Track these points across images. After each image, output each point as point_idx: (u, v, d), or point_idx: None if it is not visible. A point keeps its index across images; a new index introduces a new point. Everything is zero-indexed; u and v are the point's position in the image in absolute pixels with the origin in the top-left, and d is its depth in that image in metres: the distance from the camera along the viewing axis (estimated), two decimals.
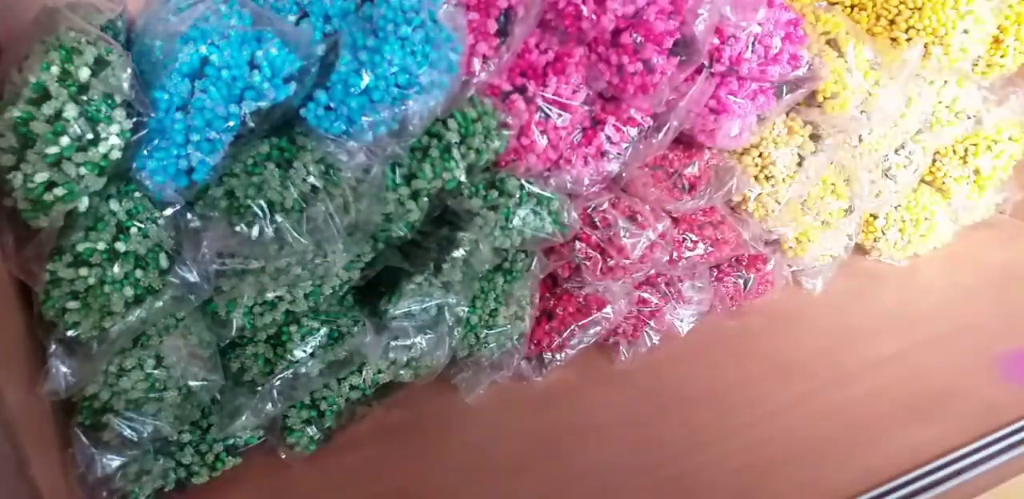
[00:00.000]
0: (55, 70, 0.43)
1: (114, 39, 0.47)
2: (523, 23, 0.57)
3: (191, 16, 0.47)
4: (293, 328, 0.59)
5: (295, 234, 0.50)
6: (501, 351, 0.70)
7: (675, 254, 0.74)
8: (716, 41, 0.65)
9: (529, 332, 0.71)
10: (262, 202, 0.49)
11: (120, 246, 0.48)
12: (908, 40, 0.78)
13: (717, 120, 0.68)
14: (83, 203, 0.46)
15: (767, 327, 0.84)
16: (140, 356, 0.52)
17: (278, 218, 0.49)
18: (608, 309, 0.73)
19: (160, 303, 0.50)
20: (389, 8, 0.50)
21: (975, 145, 0.92)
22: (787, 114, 0.76)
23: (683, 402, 0.71)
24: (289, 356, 0.58)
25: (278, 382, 0.58)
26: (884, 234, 0.95)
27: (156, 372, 0.52)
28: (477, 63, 0.56)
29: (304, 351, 0.59)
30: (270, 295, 0.56)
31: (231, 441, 0.61)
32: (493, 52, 0.57)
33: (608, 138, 0.65)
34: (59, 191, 0.44)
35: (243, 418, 0.58)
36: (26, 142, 0.43)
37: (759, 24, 0.65)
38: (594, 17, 0.58)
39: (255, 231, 0.49)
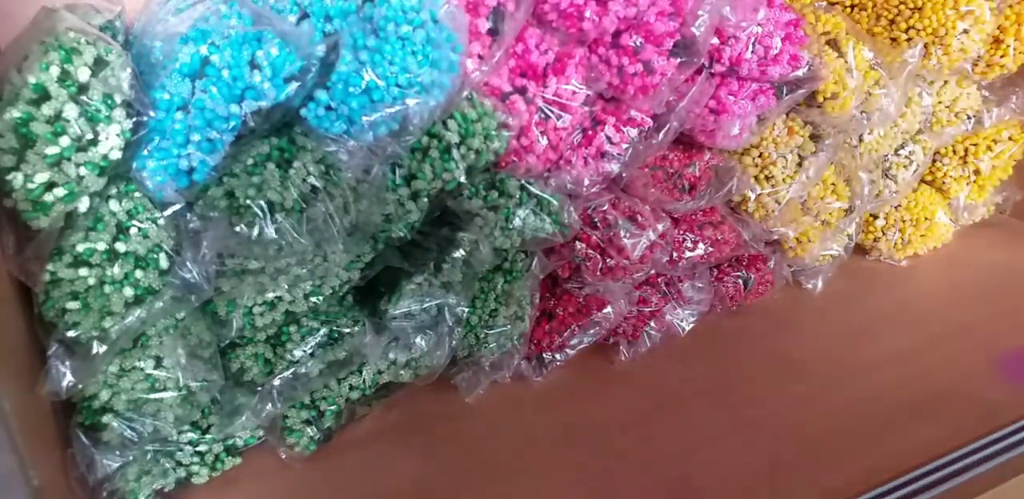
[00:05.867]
0: (55, 70, 0.43)
1: (113, 40, 0.47)
2: (513, 19, 0.57)
3: (191, 17, 0.47)
4: (293, 328, 0.59)
5: (295, 234, 0.50)
6: (501, 351, 0.70)
7: (675, 254, 0.74)
8: (716, 42, 0.65)
9: (529, 332, 0.70)
10: (262, 202, 0.49)
11: (120, 246, 0.48)
12: (908, 40, 0.78)
13: (717, 120, 0.68)
14: (83, 203, 0.46)
15: (767, 327, 0.84)
16: (140, 356, 0.52)
17: (278, 218, 0.49)
18: (608, 309, 0.73)
19: (160, 303, 0.50)
20: (390, 8, 0.50)
21: (975, 145, 0.92)
22: (787, 114, 0.76)
23: (683, 402, 0.71)
24: (289, 356, 0.58)
25: (278, 382, 0.58)
26: (884, 234, 0.95)
27: (156, 372, 0.52)
28: (471, 63, 0.56)
29: (304, 351, 0.59)
30: (270, 295, 0.56)
31: (231, 441, 0.61)
32: (487, 51, 0.57)
33: (608, 139, 0.65)
34: (59, 191, 0.44)
35: (243, 418, 0.58)
36: (26, 143, 0.43)
37: (759, 25, 0.65)
38: (596, 18, 0.58)
39: (255, 231, 0.49)
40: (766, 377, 0.74)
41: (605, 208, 0.69)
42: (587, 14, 0.58)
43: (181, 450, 0.59)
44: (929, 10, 0.77)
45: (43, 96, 0.43)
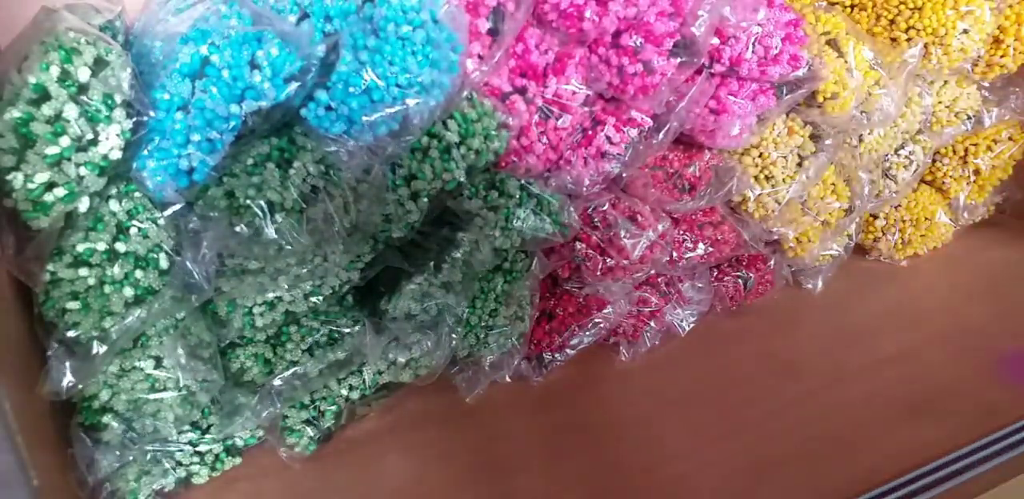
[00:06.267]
0: (55, 70, 0.43)
1: (112, 40, 0.47)
2: (513, 19, 0.57)
3: (191, 17, 0.47)
4: (293, 328, 0.59)
5: (295, 234, 0.50)
6: (501, 351, 0.70)
7: (675, 254, 0.74)
8: (716, 42, 0.65)
9: (529, 332, 0.70)
10: (262, 202, 0.49)
11: (120, 246, 0.48)
12: (908, 40, 0.78)
13: (717, 120, 0.68)
14: (83, 203, 0.46)
15: (767, 327, 0.84)
16: (140, 356, 0.52)
17: (278, 218, 0.49)
18: (608, 309, 0.73)
19: (160, 303, 0.50)
20: (390, 8, 0.50)
21: (975, 145, 0.92)
22: (787, 114, 0.76)
23: (683, 402, 0.71)
24: (289, 356, 0.58)
25: (278, 382, 0.58)
26: (884, 234, 0.95)
27: (156, 372, 0.52)
28: (471, 63, 0.56)
29: (304, 351, 0.59)
30: (270, 295, 0.56)
31: (231, 441, 0.61)
32: (487, 51, 0.57)
33: (608, 139, 0.65)
34: (59, 191, 0.44)
35: (243, 418, 0.58)
36: (26, 143, 0.43)
37: (759, 25, 0.65)
38: (596, 18, 0.58)
39: (255, 231, 0.49)
40: (766, 377, 0.74)
41: (605, 208, 0.69)
42: (587, 14, 0.58)
43: (181, 450, 0.59)
44: (929, 10, 0.77)
45: (43, 96, 0.43)
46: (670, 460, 0.64)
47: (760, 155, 0.75)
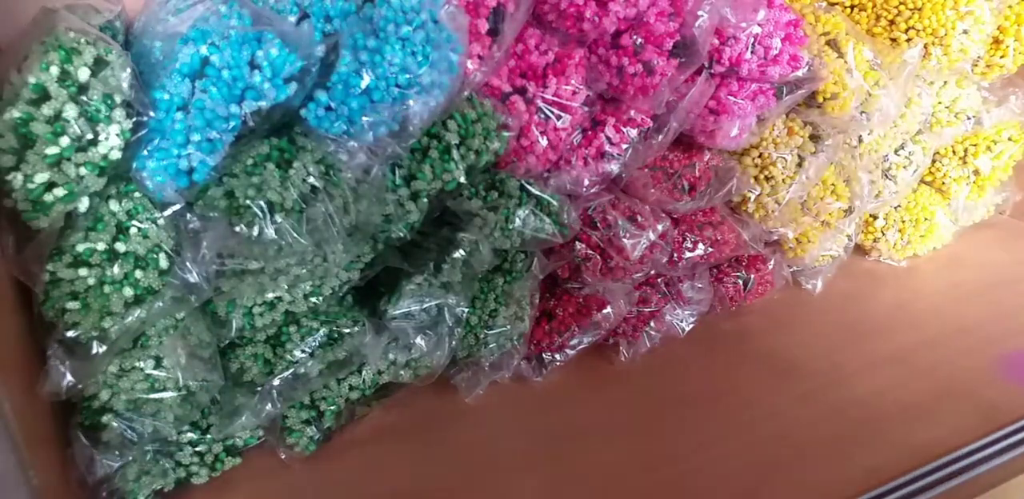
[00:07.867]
0: (54, 70, 0.43)
1: (112, 40, 0.47)
2: (513, 20, 0.57)
3: (191, 17, 0.47)
4: (293, 328, 0.59)
5: (295, 234, 0.50)
6: (501, 351, 0.70)
7: (675, 255, 0.74)
8: (716, 42, 0.65)
9: (529, 332, 0.70)
10: (262, 202, 0.49)
11: (120, 246, 0.48)
12: (908, 40, 0.78)
13: (717, 121, 0.68)
14: (83, 203, 0.46)
15: (767, 327, 0.84)
16: (140, 356, 0.52)
17: (278, 218, 0.49)
18: (608, 309, 0.73)
19: (160, 303, 0.50)
20: (390, 9, 0.50)
21: (975, 145, 0.92)
22: (787, 115, 0.76)
23: (683, 402, 0.71)
24: (289, 356, 0.58)
25: (278, 382, 0.58)
26: (884, 235, 0.95)
27: (156, 372, 0.52)
28: (471, 63, 0.56)
29: (304, 351, 0.59)
30: (270, 295, 0.56)
31: (231, 441, 0.61)
32: (487, 51, 0.57)
33: (608, 139, 0.65)
34: (59, 191, 0.44)
35: (243, 418, 0.58)
36: (26, 143, 0.43)
37: (759, 25, 0.65)
38: (596, 19, 0.58)
39: (255, 231, 0.49)
40: (766, 377, 0.74)
41: (605, 208, 0.69)
42: (587, 14, 0.58)
43: (181, 450, 0.59)
44: (929, 10, 0.77)
45: (43, 96, 0.43)
46: (670, 460, 0.64)
47: (760, 155, 0.75)
